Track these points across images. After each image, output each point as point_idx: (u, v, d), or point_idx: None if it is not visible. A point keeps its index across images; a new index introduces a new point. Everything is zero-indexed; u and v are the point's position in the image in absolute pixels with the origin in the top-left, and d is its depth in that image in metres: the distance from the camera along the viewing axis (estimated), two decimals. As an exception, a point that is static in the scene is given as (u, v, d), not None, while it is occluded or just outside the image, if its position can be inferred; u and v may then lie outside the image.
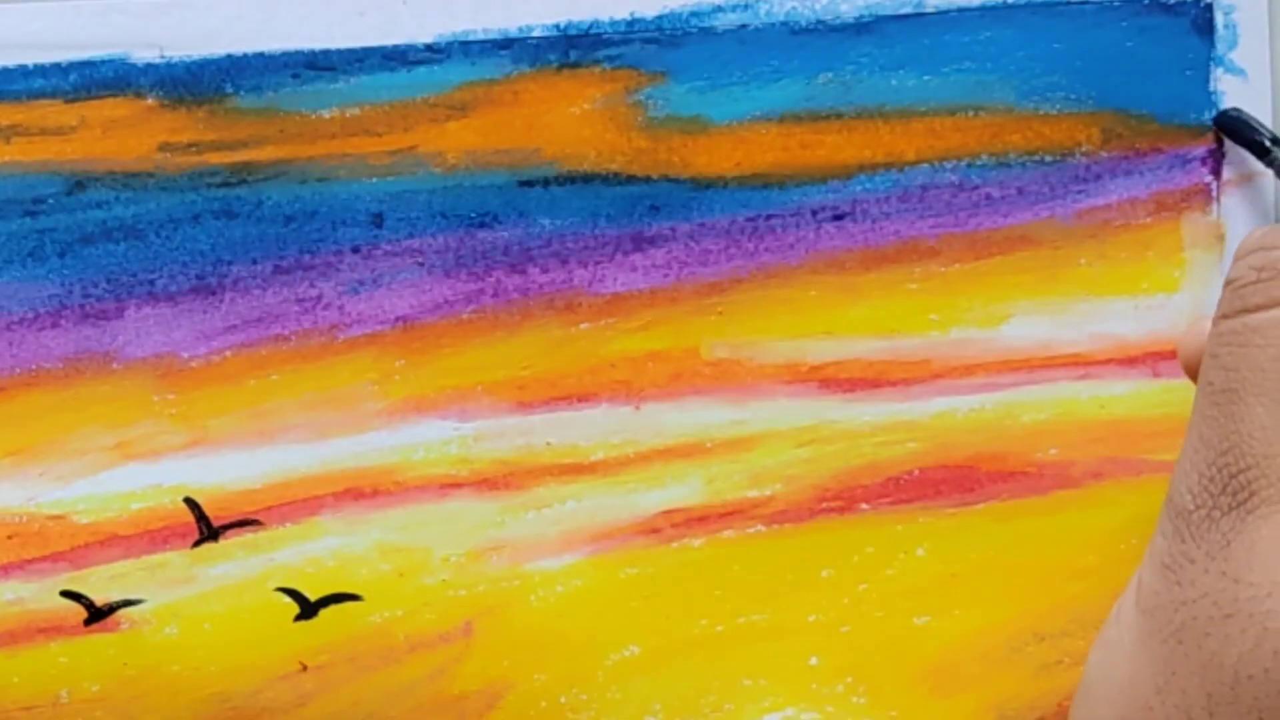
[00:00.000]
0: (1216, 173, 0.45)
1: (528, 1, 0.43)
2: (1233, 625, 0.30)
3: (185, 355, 0.43)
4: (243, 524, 0.43)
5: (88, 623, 0.43)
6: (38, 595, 0.42)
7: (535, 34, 0.43)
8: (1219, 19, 0.45)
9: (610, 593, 0.44)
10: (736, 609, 0.45)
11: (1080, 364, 0.45)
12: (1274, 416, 0.31)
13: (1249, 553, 0.30)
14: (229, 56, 0.42)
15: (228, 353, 0.43)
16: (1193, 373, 0.36)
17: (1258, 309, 0.32)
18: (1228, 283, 0.34)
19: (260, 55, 0.42)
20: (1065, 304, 0.45)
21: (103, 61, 0.42)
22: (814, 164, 0.44)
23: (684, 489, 0.45)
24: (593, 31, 0.43)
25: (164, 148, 0.42)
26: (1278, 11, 0.45)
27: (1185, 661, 0.31)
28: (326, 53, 0.42)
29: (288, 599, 0.43)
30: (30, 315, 0.42)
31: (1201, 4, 0.45)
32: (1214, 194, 0.45)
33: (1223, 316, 0.33)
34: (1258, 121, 0.44)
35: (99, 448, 0.42)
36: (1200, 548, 0.31)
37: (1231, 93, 0.45)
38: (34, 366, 0.42)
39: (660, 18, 0.43)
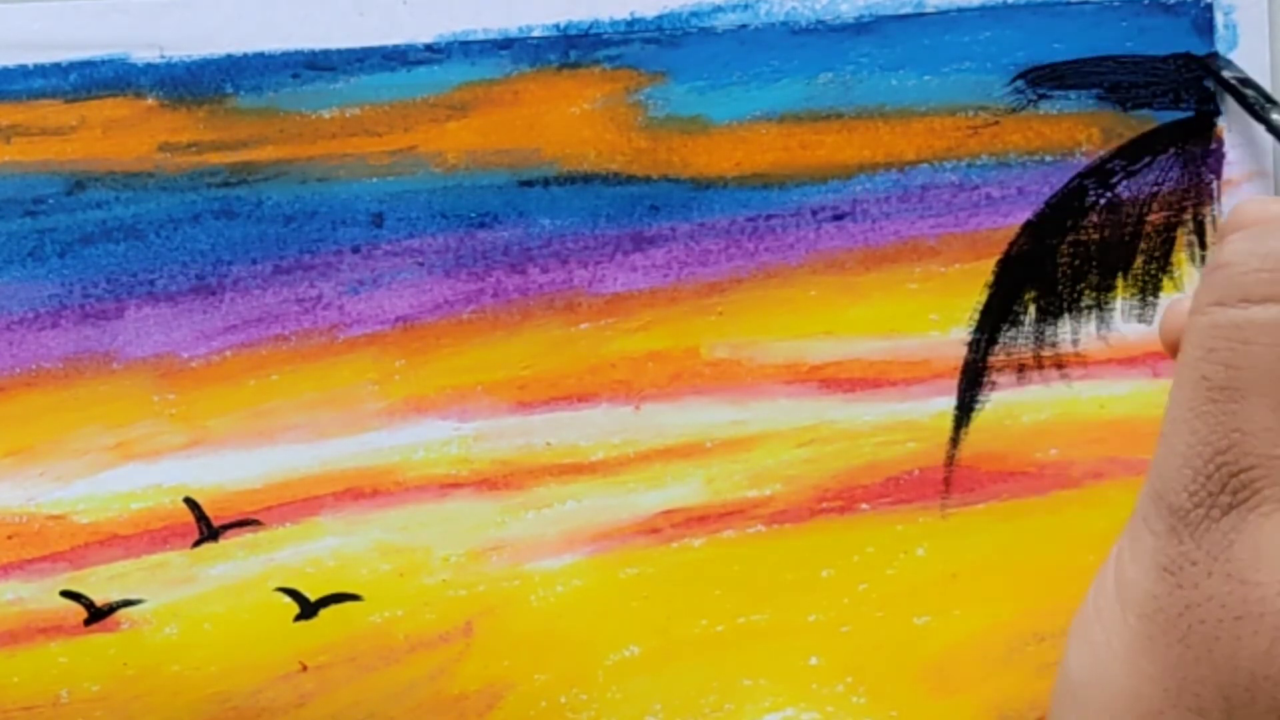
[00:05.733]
0: (1217, 172, 0.45)
1: (528, 1, 0.43)
2: (1244, 627, 0.30)
3: (185, 355, 0.43)
4: (243, 524, 0.43)
5: (88, 623, 0.43)
6: (38, 595, 0.42)
7: (535, 34, 0.43)
8: (1219, 19, 0.45)
9: (610, 593, 0.44)
10: (736, 609, 0.45)
11: (1080, 364, 0.45)
12: (1277, 417, 0.30)
13: (1254, 553, 0.30)
14: (229, 56, 0.42)
15: (228, 353, 0.43)
16: (1174, 349, 0.35)
17: (1263, 301, 0.31)
18: (1221, 264, 0.32)
19: (260, 55, 0.42)
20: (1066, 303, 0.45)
21: (103, 61, 0.42)
22: (814, 164, 0.44)
23: (684, 489, 0.45)
24: (593, 31, 0.43)
25: (164, 148, 0.42)
26: (1278, 11, 0.45)
27: (1196, 666, 0.30)
28: (326, 53, 0.42)
29: (288, 599, 0.43)
30: (30, 315, 0.42)
31: (1201, 4, 0.45)
32: (1214, 194, 0.45)
33: (1217, 303, 0.32)
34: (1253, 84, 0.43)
35: (99, 448, 0.42)
36: (1201, 548, 0.31)
37: (1231, 93, 0.45)
38: (34, 366, 0.42)
39: (660, 18, 0.43)
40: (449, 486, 0.44)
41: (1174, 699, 0.31)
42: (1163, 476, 0.32)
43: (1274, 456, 0.30)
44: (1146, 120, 0.45)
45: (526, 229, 0.43)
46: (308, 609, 0.43)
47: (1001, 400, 0.45)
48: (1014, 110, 0.45)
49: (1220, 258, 0.32)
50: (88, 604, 0.43)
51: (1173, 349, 0.36)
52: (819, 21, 0.44)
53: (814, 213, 0.44)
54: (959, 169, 0.45)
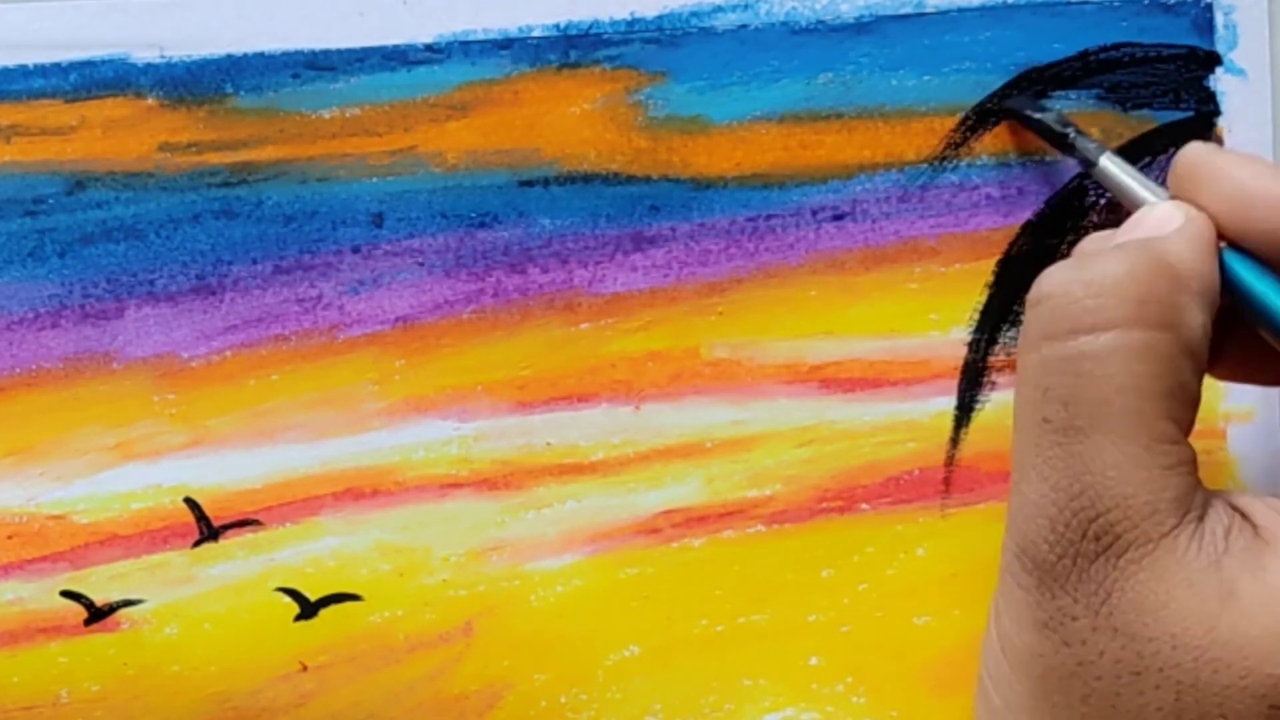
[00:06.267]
0: (1216, 173, 0.45)
1: (528, 1, 0.43)
2: (1145, 682, 0.28)
3: (185, 355, 0.43)
4: (243, 524, 0.43)
5: (88, 623, 0.43)
6: (38, 595, 0.42)
7: (535, 34, 0.43)
8: (1219, 19, 0.45)
9: (610, 593, 0.44)
10: (736, 609, 0.45)
11: (1080, 364, 0.45)
12: (1125, 453, 0.29)
13: (1137, 605, 0.28)
14: (229, 56, 0.42)
15: (228, 353, 0.43)
16: None
17: (1093, 330, 0.29)
18: (1043, 297, 0.30)
19: (260, 55, 0.42)
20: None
21: (103, 61, 0.42)
22: (814, 164, 0.44)
23: (684, 489, 0.45)
24: (593, 31, 0.43)
25: (164, 148, 0.42)
26: (1278, 11, 0.45)
27: None
28: (326, 53, 0.42)
29: (288, 599, 0.43)
30: (30, 315, 0.42)
31: (1201, 4, 0.45)
32: (1214, 194, 0.45)
33: (1046, 337, 0.30)
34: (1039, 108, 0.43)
35: (99, 448, 0.42)
36: (1079, 602, 0.29)
37: (1231, 93, 0.45)
38: (34, 366, 0.42)
39: (660, 18, 0.43)
40: (449, 486, 0.44)
41: None
42: (1020, 529, 0.30)
43: (1128, 497, 0.29)
44: (1146, 120, 0.45)
45: (526, 229, 0.43)
46: (308, 609, 0.43)
47: (1001, 400, 0.45)
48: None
49: (1041, 291, 0.31)
50: (88, 604, 0.43)
51: None
52: (819, 21, 0.44)
53: (814, 213, 0.44)
54: (959, 169, 0.45)
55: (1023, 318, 0.45)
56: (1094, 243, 0.35)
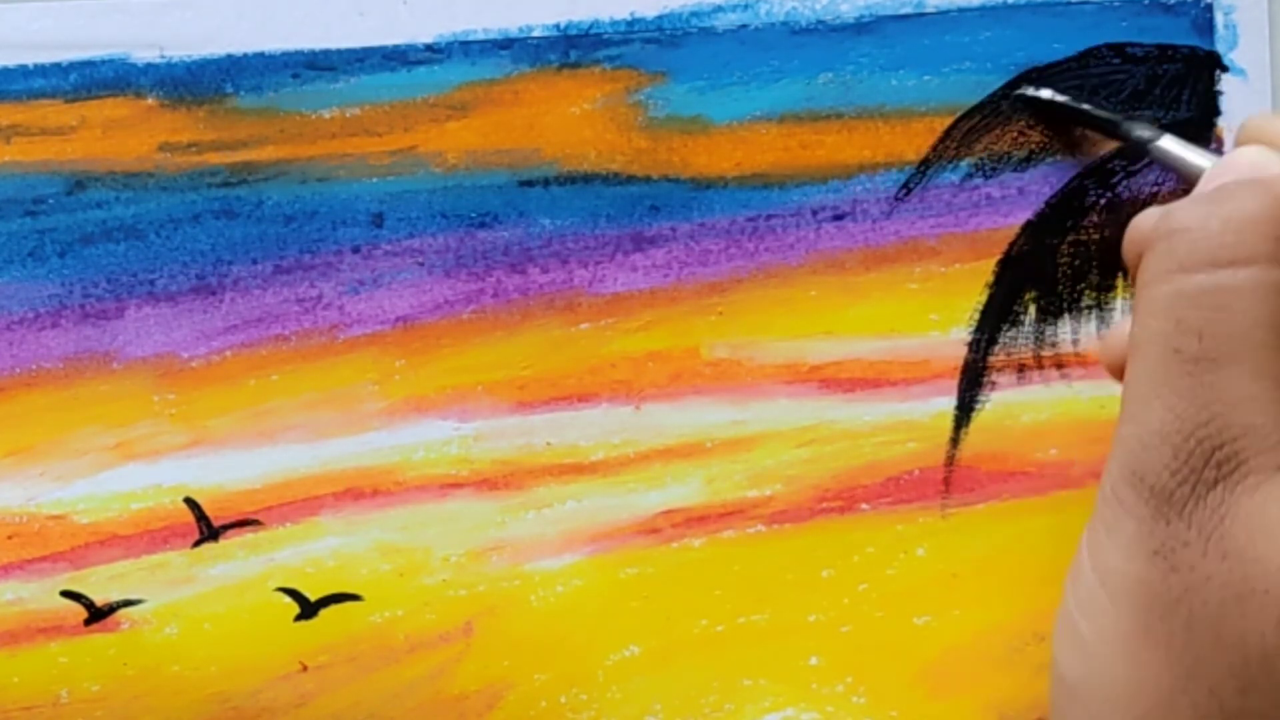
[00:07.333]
0: (1216, 173, 0.45)
1: (528, 1, 0.43)
2: (1248, 605, 0.28)
3: (185, 355, 0.43)
4: (243, 524, 0.43)
5: (88, 623, 0.43)
6: (38, 595, 0.42)
7: (535, 34, 0.43)
8: (1219, 19, 0.45)
9: (610, 593, 0.44)
10: (736, 609, 0.45)
11: (1080, 364, 0.45)
12: (1257, 385, 0.29)
13: (1249, 528, 0.29)
14: (229, 56, 0.42)
15: (228, 353, 0.43)
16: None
17: (1231, 265, 0.30)
18: (1177, 230, 0.31)
19: (260, 55, 0.42)
20: (1066, 304, 0.45)
21: (103, 61, 0.42)
22: (814, 164, 0.44)
23: (684, 489, 0.45)
24: (593, 31, 0.43)
25: (164, 148, 0.42)
26: (1278, 11, 0.45)
27: (1203, 649, 0.29)
28: (326, 53, 0.42)
29: (288, 599, 0.43)
30: (30, 315, 0.42)
31: (1201, 4, 0.45)
32: (1214, 194, 0.45)
33: (1180, 270, 0.30)
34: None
35: (99, 448, 0.42)
36: (1191, 527, 0.29)
37: (1231, 93, 0.45)
38: (34, 366, 0.42)
39: (660, 18, 0.43)
40: (449, 486, 0.44)
41: (1184, 685, 0.29)
42: (1137, 457, 0.30)
43: (1255, 427, 0.29)
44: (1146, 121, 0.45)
45: (526, 229, 0.43)
46: (308, 609, 0.43)
47: (1001, 400, 0.45)
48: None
49: (1174, 224, 0.31)
50: (88, 604, 0.43)
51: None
52: (819, 21, 0.44)
53: (814, 213, 0.44)
54: (959, 169, 0.45)
55: (1021, 317, 0.45)
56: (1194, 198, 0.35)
